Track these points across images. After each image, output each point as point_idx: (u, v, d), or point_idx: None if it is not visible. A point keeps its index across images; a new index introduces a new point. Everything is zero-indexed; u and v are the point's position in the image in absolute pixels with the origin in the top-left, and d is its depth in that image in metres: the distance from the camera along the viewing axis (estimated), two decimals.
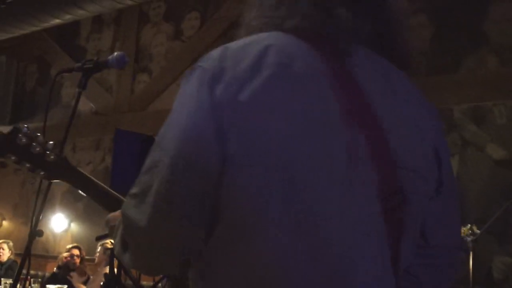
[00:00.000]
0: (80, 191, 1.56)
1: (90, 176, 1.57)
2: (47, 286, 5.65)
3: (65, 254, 6.58)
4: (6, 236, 7.85)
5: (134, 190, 1.05)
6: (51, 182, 1.86)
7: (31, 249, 1.78)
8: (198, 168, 0.98)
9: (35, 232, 1.83)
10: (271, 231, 0.97)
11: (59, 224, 7.36)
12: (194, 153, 0.99)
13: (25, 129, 1.52)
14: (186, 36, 7.26)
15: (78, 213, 7.45)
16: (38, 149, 1.50)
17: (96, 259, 6.12)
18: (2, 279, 6.21)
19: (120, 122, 7.27)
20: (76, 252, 6.50)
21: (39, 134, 1.52)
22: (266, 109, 0.98)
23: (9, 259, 7.18)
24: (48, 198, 1.91)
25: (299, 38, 1.06)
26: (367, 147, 1.02)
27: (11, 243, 7.34)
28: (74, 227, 7.52)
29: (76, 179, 1.55)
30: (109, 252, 5.95)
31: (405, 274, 1.14)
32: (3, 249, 7.17)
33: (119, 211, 1.24)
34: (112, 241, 1.22)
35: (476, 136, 4.97)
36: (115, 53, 1.77)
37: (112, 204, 1.49)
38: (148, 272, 1.16)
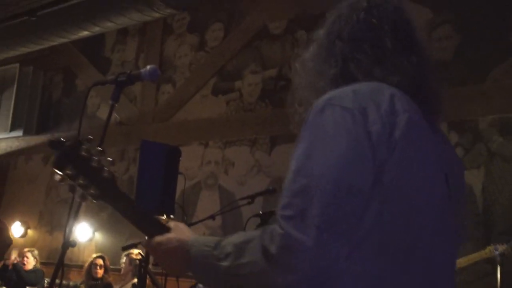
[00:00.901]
0: (122, 215, 1.44)
1: (133, 201, 1.46)
2: None
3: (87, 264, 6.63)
4: (31, 245, 7.93)
5: (287, 212, 1.15)
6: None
7: (64, 259, 1.80)
8: (358, 193, 1.14)
9: (68, 243, 1.84)
10: (423, 250, 1.21)
11: (83, 233, 7.42)
12: (355, 180, 1.15)
13: (88, 140, 1.40)
14: (210, 47, 7.31)
15: (102, 222, 7.51)
16: (96, 164, 1.39)
17: (122, 269, 6.15)
18: (27, 287, 6.28)
19: (144, 132, 7.32)
20: (99, 262, 6.54)
21: (100, 148, 1.40)
22: (412, 144, 1.21)
23: (34, 267, 7.26)
24: (73, 208, 1.92)
25: (402, 91, 1.28)
26: (445, 183, 1.31)
27: (36, 252, 7.42)
28: (98, 236, 7.57)
29: (121, 202, 1.43)
30: (135, 262, 5.98)
31: None
32: (27, 257, 7.24)
33: (170, 234, 1.36)
34: (225, 263, 1.23)
35: (502, 147, 4.92)
36: (148, 67, 1.79)
37: (153, 231, 1.42)
38: (291, 285, 1.20)
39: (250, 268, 1.18)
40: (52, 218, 8.26)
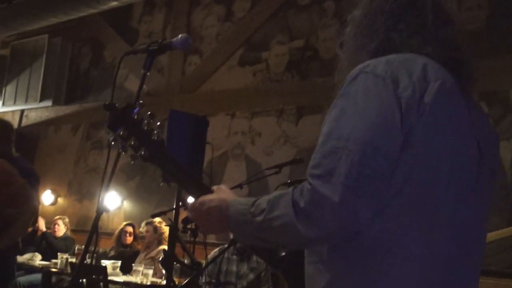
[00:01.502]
0: (171, 178, 1.56)
1: (182, 165, 1.57)
2: (102, 261, 5.83)
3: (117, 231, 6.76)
4: (61, 213, 8.10)
5: (317, 171, 1.22)
6: (117, 163, 1.93)
7: (98, 224, 1.85)
8: (384, 155, 1.21)
9: (102, 208, 1.89)
10: (448, 211, 1.25)
11: (113, 202, 7.55)
12: (382, 142, 1.21)
13: (139, 105, 1.54)
14: (237, 18, 7.29)
15: (131, 191, 7.62)
16: (146, 127, 1.52)
17: (146, 237, 6.26)
18: (58, 253, 6.42)
19: (172, 103, 7.37)
20: (129, 229, 6.66)
21: (149, 112, 1.54)
22: (442, 110, 1.27)
23: (64, 234, 7.42)
24: (107, 176, 1.96)
25: (437, 62, 1.35)
26: (477, 151, 1.35)
27: (66, 219, 7.59)
28: (127, 205, 7.70)
29: (169, 165, 1.55)
30: (160, 230, 6.08)
31: None
32: (58, 224, 7.41)
33: (212, 195, 1.45)
34: (260, 216, 1.30)
35: None
36: (180, 36, 1.81)
37: (198, 191, 1.52)
38: (312, 242, 1.29)
39: (281, 220, 1.25)
40: (81, 187, 8.41)
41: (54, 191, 8.56)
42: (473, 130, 1.34)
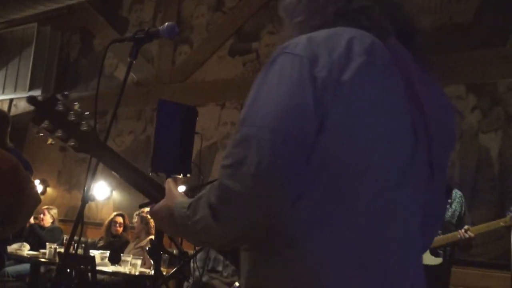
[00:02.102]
0: (107, 167, 1.53)
1: (118, 153, 1.55)
2: (91, 251, 5.82)
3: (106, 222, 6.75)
4: (50, 203, 8.07)
5: (227, 161, 1.14)
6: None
7: (83, 213, 1.84)
8: (296, 141, 1.11)
9: (87, 197, 1.89)
10: (367, 194, 1.15)
11: (102, 192, 7.53)
12: (294, 127, 1.11)
13: (63, 96, 1.52)
14: (228, 8, 7.26)
15: (120, 181, 7.58)
16: (73, 118, 1.51)
17: (136, 228, 6.26)
18: (47, 243, 6.41)
19: (161, 92, 7.35)
20: (119, 219, 6.65)
21: (76, 103, 1.52)
22: (364, 89, 1.16)
23: (51, 225, 7.38)
24: (91, 167, 1.95)
25: (369, 33, 1.24)
26: (423, 126, 1.25)
27: (54, 210, 7.55)
28: (116, 195, 7.69)
29: (104, 154, 1.54)
30: (147, 220, 6.08)
31: None
32: (44, 214, 7.37)
33: (162, 202, 1.39)
34: (190, 220, 1.23)
35: None
36: (166, 24, 1.79)
37: (139, 182, 1.51)
38: (227, 242, 1.21)
39: (201, 224, 1.18)
40: (71, 177, 8.38)
41: (43, 181, 8.53)
42: (411, 108, 1.24)
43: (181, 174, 3.89)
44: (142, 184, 1.52)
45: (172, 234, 1.43)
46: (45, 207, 7.54)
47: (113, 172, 1.54)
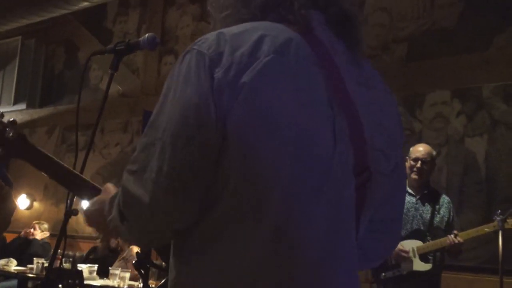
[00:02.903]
0: (40, 171, 1.52)
1: (51, 156, 1.52)
2: (79, 265, 5.76)
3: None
4: (37, 217, 8.01)
5: (132, 167, 1.11)
6: (84, 165, 1.90)
7: (66, 228, 1.82)
8: (198, 146, 1.05)
9: (71, 211, 1.86)
10: (275, 207, 1.06)
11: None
12: (194, 132, 1.05)
13: None
14: None
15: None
16: None
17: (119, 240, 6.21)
18: (34, 258, 6.35)
19: (147, 104, 7.31)
20: None
21: (1, 111, 1.48)
22: (268, 89, 1.07)
23: (41, 240, 7.32)
24: None
25: (288, 28, 1.16)
26: (347, 128, 1.13)
27: (45, 225, 7.48)
28: None
29: (36, 158, 1.51)
30: None
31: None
32: (34, 229, 7.31)
33: (97, 196, 1.35)
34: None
35: (505, 114, 4.92)
36: (146, 35, 1.79)
37: (75, 184, 1.49)
38: (141, 243, 1.24)
39: (113, 223, 1.17)
40: (57, 190, 8.31)
41: (29, 195, 8.46)
42: (338, 109, 1.13)
43: None
44: (79, 186, 1.51)
45: (102, 231, 1.37)
46: (36, 222, 7.47)
47: (44, 174, 1.53)
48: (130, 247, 5.88)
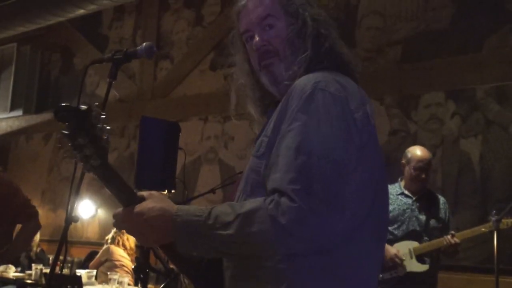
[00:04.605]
0: (105, 187, 1.38)
1: (117, 171, 1.39)
2: (77, 271, 5.77)
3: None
4: None
5: (295, 186, 1.24)
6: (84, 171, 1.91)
7: (67, 234, 1.85)
8: (349, 173, 1.28)
9: (71, 218, 1.89)
10: (381, 225, 1.45)
11: (86, 210, 7.48)
12: (348, 160, 1.28)
13: (96, 107, 1.31)
14: (207, 22, 7.29)
15: (105, 199, 7.57)
16: (100, 132, 1.30)
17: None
18: (33, 264, 6.35)
19: (144, 109, 7.35)
20: None
21: (104, 114, 1.32)
22: (375, 131, 1.41)
23: (36, 249, 7.28)
24: (75, 185, 1.96)
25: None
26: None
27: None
28: (101, 213, 7.65)
29: (108, 172, 1.36)
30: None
31: None
32: None
33: (149, 202, 1.33)
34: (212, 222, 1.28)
35: (499, 115, 4.95)
36: (144, 44, 1.82)
37: (129, 199, 1.37)
38: (288, 252, 1.30)
39: (259, 237, 1.24)
40: (55, 196, 8.33)
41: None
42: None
43: (166, 190, 3.89)
44: (133, 203, 1.38)
45: (157, 238, 1.35)
46: None
47: (111, 191, 1.39)
48: (108, 249, 5.86)
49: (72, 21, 8.27)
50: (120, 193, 1.37)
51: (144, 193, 1.37)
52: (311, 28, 1.48)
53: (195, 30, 7.41)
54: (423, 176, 4.03)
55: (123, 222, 1.37)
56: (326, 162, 1.25)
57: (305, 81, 1.37)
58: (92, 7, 7.00)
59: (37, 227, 4.10)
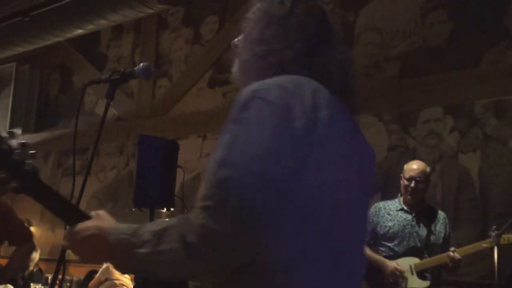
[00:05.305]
0: (45, 208, 1.45)
1: (57, 191, 1.45)
2: None
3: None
4: None
5: (207, 203, 1.17)
6: (83, 190, 1.93)
7: (65, 256, 1.84)
8: (277, 185, 1.17)
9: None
10: (336, 231, 1.29)
11: None
12: (276, 173, 1.17)
13: (9, 134, 1.41)
14: (205, 40, 7.32)
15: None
16: (18, 157, 1.40)
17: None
18: (31, 283, 6.32)
19: (142, 127, 7.35)
20: None
21: (23, 141, 1.43)
22: (331, 142, 1.28)
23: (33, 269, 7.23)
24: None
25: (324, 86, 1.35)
26: (357, 174, 1.37)
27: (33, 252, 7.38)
28: None
29: (43, 195, 1.44)
30: None
31: None
32: None
33: (89, 222, 1.35)
34: (145, 250, 1.23)
35: (498, 130, 4.96)
36: (141, 64, 1.82)
37: (74, 217, 1.42)
38: (201, 275, 1.27)
39: (168, 255, 1.19)
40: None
41: (26, 220, 8.41)
42: (356, 157, 1.38)
43: (164, 208, 3.88)
44: (77, 218, 1.42)
45: (93, 257, 1.38)
46: None
47: (48, 210, 1.46)
48: (108, 268, 5.84)
49: (71, 40, 8.29)
50: (61, 214, 1.43)
51: (93, 213, 1.40)
52: None
53: (193, 48, 7.44)
54: (413, 185, 4.01)
55: (65, 240, 1.39)
56: (247, 175, 1.15)
57: (246, 90, 1.29)
58: (90, 27, 7.03)
59: (33, 248, 4.08)
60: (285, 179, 1.18)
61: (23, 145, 1.42)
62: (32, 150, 1.44)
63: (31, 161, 1.41)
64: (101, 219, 1.36)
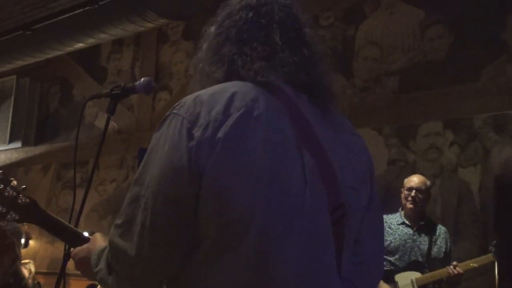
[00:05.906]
0: (50, 233, 1.63)
1: (58, 218, 1.62)
2: None
3: None
4: (33, 255, 7.93)
5: (118, 221, 1.22)
6: (84, 203, 1.93)
7: (65, 269, 1.84)
8: (176, 201, 1.15)
9: (70, 253, 1.87)
10: (250, 247, 1.15)
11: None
12: (172, 189, 1.16)
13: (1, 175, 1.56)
14: None
15: (103, 231, 7.52)
16: (11, 192, 1.55)
17: None
18: None
19: (142, 140, 7.35)
20: None
21: (12, 178, 1.57)
22: (240, 141, 1.17)
23: (30, 279, 7.21)
24: (73, 217, 1.97)
25: (256, 86, 1.27)
26: (317, 168, 1.23)
27: (31, 265, 7.37)
28: None
29: (46, 222, 1.61)
30: None
31: (343, 280, 1.29)
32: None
33: (85, 245, 1.47)
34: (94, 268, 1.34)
35: (497, 144, 4.96)
36: (142, 79, 1.82)
37: (74, 239, 1.58)
38: None
39: (99, 275, 1.28)
40: None
41: (25, 233, 8.39)
42: (307, 154, 1.23)
43: None
44: (77, 240, 1.59)
45: (88, 277, 1.47)
46: (26, 261, 7.39)
47: (51, 234, 1.64)
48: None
49: (71, 53, 8.32)
50: (61, 236, 1.60)
51: (93, 236, 1.52)
52: None
53: None
54: (413, 194, 4.01)
55: (71, 261, 1.53)
56: (150, 194, 1.17)
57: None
58: (90, 41, 7.04)
59: (16, 258, 4.08)
60: (184, 195, 1.16)
61: (13, 183, 1.57)
62: (23, 185, 1.61)
63: (22, 195, 1.56)
64: (93, 242, 1.46)
